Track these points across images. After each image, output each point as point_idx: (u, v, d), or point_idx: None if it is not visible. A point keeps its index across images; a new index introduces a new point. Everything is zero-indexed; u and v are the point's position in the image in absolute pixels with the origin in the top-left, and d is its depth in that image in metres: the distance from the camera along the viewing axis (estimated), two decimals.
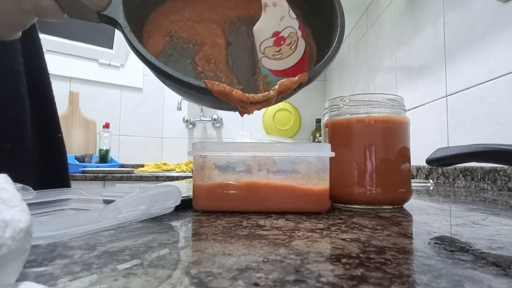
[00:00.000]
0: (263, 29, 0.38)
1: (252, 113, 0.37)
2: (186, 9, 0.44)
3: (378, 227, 0.27)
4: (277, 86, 0.36)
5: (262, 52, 0.38)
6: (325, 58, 0.38)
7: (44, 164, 0.53)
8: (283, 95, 0.36)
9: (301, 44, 0.39)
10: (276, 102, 0.37)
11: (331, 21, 0.41)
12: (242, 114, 0.38)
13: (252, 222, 0.29)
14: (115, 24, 0.34)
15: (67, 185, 0.57)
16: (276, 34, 0.38)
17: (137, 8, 0.37)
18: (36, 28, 0.53)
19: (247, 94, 0.34)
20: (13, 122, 0.49)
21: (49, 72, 0.56)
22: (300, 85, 0.37)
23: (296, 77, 0.37)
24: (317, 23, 0.44)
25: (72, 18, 0.34)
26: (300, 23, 0.39)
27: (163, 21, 0.42)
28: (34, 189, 0.35)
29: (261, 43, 0.38)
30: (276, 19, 0.38)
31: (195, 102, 0.42)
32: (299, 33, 0.39)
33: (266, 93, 0.35)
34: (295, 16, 0.38)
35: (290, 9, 0.38)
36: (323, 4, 0.42)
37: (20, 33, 0.35)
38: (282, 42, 0.38)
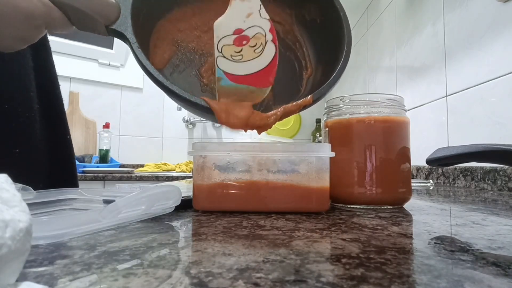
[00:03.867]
0: (223, 25, 0.33)
1: (260, 134, 0.37)
2: (193, 17, 0.43)
3: (378, 227, 0.27)
4: (281, 109, 0.35)
5: (220, 50, 0.33)
6: (331, 79, 0.37)
7: (53, 166, 0.53)
8: (286, 117, 0.36)
9: (270, 49, 0.34)
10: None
11: (338, 40, 0.40)
12: (245, 130, 0.38)
13: (252, 222, 0.29)
14: (123, 38, 0.34)
15: (75, 186, 0.57)
16: (238, 31, 0.33)
17: (145, 17, 0.37)
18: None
19: (251, 119, 0.34)
20: (22, 126, 0.49)
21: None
22: (304, 107, 0.36)
23: (300, 101, 0.36)
24: (322, 42, 0.43)
25: (80, 30, 0.34)
26: (273, 26, 0.34)
27: (170, 30, 0.42)
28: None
29: (219, 40, 0.33)
30: (241, 15, 0.32)
31: (199, 116, 0.42)
32: (269, 36, 0.34)
33: (271, 117, 0.35)
34: (267, 17, 0.33)
35: (261, 6, 0.33)
36: (331, 24, 0.41)
37: None
38: (244, 42, 0.33)
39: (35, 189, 0.32)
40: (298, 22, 0.45)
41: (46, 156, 0.53)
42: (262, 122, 0.35)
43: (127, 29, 0.34)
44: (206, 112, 0.34)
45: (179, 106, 2.15)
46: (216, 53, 0.34)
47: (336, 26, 0.40)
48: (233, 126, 0.35)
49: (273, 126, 0.36)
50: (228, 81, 0.34)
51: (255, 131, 0.36)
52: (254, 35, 0.33)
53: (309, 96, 0.36)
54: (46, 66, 0.54)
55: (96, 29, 0.34)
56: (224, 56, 0.33)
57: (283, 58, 0.46)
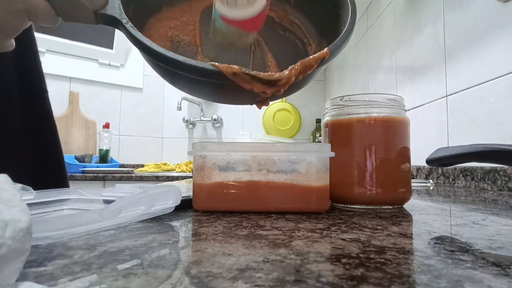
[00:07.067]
0: None
1: (268, 105, 0.36)
2: (183, 14, 0.43)
3: (378, 227, 0.27)
4: (299, 63, 0.34)
5: None
6: (343, 32, 0.36)
7: (40, 168, 0.52)
8: (304, 74, 0.34)
9: (261, 0, 0.36)
10: (295, 88, 0.36)
11: (337, 5, 0.39)
12: (260, 106, 0.36)
13: (252, 222, 0.29)
14: (114, 22, 0.32)
15: (65, 185, 0.57)
16: None
17: (134, 12, 0.36)
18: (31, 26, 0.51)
19: (269, 73, 0.32)
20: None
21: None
22: (322, 61, 0.35)
23: (317, 54, 0.34)
24: (321, 15, 0.43)
25: (66, 21, 0.32)
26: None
27: (162, 27, 0.41)
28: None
29: None
30: None
31: (207, 96, 0.39)
32: None
33: (287, 72, 0.33)
34: None
35: None
36: None
37: (14, 43, 0.33)
38: None
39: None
40: (292, 6, 0.45)
41: (30, 159, 0.51)
42: (282, 75, 0.33)
43: (117, 12, 0.32)
44: (216, 78, 0.31)
45: (179, 106, 2.16)
46: None
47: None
48: (257, 85, 0.33)
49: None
50: (222, 23, 0.36)
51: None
52: None
53: (325, 48, 0.35)
54: (31, 66, 0.52)
55: (83, 16, 0.32)
56: (220, 1, 0.36)
57: (284, 39, 0.46)
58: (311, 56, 0.34)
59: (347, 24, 0.37)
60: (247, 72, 0.31)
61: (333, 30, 0.40)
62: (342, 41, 0.36)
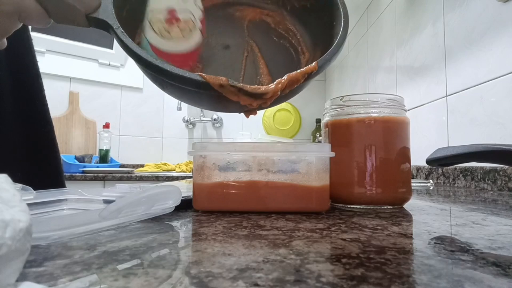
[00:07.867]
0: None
1: (256, 114, 0.36)
2: None
3: (378, 227, 0.27)
4: (286, 77, 0.33)
5: (149, 20, 0.35)
6: (333, 46, 0.36)
7: (34, 167, 0.52)
8: (291, 88, 0.34)
9: (196, 37, 0.36)
10: (283, 99, 0.35)
11: (332, 15, 0.39)
12: (247, 115, 0.36)
13: (252, 222, 0.29)
14: (105, 26, 0.32)
15: (61, 184, 0.56)
16: (171, 11, 0.35)
17: (128, 14, 0.36)
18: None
19: (255, 86, 0.32)
20: None
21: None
22: (309, 76, 0.34)
23: (305, 68, 0.34)
24: (316, 24, 0.43)
25: (58, 23, 0.32)
26: (204, 19, 0.36)
27: None
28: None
29: (151, 11, 0.35)
30: None
31: (195, 103, 0.40)
32: (198, 25, 0.36)
33: (273, 86, 0.33)
34: (201, 7, 0.36)
35: None
36: (323, 4, 0.41)
37: (5, 42, 0.33)
38: (174, 22, 0.35)
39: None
40: (289, 13, 0.45)
41: (25, 158, 0.51)
42: (268, 89, 0.33)
43: (109, 16, 0.32)
44: (203, 88, 0.31)
45: (179, 106, 2.16)
46: (145, 21, 0.35)
47: (328, 3, 0.40)
48: (238, 99, 0.33)
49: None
50: (151, 51, 0.35)
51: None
52: (185, 19, 0.35)
53: (314, 62, 0.34)
54: (26, 65, 0.52)
55: (75, 19, 0.32)
56: (152, 28, 0.35)
57: (279, 46, 0.46)
58: (298, 70, 0.34)
59: (338, 37, 0.37)
60: (233, 84, 0.31)
61: (327, 40, 0.40)
62: (331, 55, 0.36)
